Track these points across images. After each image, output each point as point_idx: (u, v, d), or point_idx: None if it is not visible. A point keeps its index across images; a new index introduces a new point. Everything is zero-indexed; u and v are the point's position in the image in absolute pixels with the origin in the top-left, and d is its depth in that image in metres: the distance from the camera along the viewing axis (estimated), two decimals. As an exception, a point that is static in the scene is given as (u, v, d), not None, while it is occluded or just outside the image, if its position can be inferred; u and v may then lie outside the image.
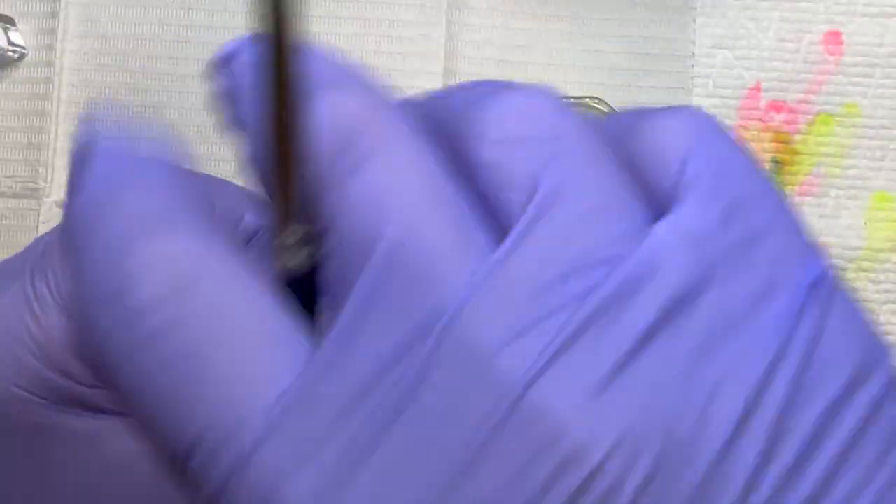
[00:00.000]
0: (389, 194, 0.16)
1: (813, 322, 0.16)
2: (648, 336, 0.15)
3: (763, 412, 0.15)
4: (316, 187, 0.17)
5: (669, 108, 0.18)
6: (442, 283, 0.16)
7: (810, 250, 0.18)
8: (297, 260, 0.18)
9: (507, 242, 0.16)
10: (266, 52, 0.18)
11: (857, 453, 0.16)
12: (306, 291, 0.18)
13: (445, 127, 0.17)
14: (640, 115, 0.18)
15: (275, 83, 0.17)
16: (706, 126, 0.18)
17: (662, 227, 0.16)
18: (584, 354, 0.15)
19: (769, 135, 0.48)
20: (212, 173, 0.29)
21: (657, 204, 0.17)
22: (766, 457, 0.15)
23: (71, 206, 0.19)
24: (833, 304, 0.17)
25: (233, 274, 0.17)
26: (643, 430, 0.15)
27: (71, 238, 0.18)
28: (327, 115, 0.17)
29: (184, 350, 0.16)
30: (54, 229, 0.27)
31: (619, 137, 0.18)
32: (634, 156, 0.17)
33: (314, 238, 0.17)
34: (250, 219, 0.23)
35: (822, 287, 0.17)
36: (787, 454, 0.15)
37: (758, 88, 0.48)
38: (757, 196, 0.17)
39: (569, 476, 0.15)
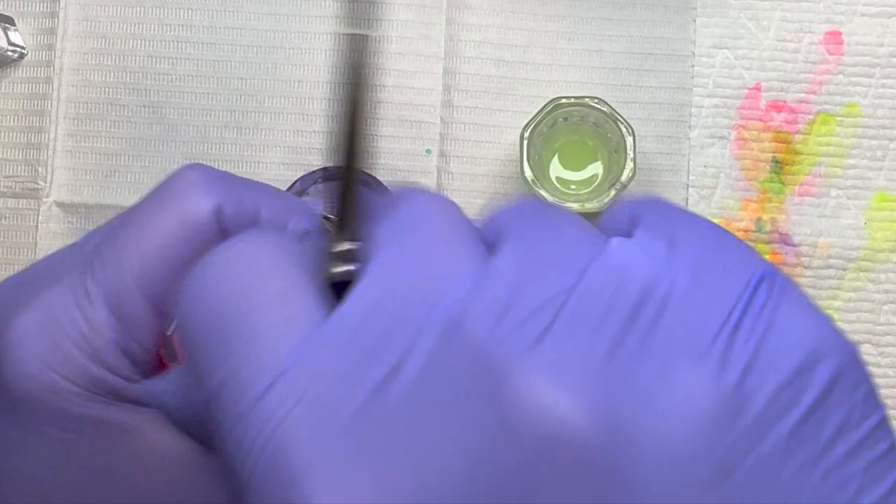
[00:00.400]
0: (429, 227, 0.20)
1: (768, 306, 0.19)
2: (606, 319, 0.18)
3: (722, 377, 0.17)
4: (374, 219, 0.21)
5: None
6: (444, 282, 0.19)
7: (757, 258, 0.20)
8: (338, 269, 0.20)
9: (493, 261, 0.19)
10: (345, 105, 0.22)
11: (817, 423, 0.18)
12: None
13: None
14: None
15: (348, 129, 0.22)
16: (652, 196, 0.21)
17: (615, 242, 0.19)
18: (554, 335, 0.18)
19: (769, 135, 0.48)
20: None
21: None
22: (725, 415, 0.17)
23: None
24: (786, 294, 0.19)
25: (274, 266, 0.21)
26: (599, 391, 0.17)
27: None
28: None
29: (228, 314, 0.20)
30: (105, 227, 0.29)
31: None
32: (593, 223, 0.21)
33: (357, 257, 0.20)
34: (293, 225, 0.27)
35: (775, 282, 0.19)
36: (748, 415, 0.17)
37: (758, 88, 0.48)
38: (696, 226, 0.20)
39: (558, 456, 0.17)
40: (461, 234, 0.20)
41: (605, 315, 0.18)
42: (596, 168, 0.47)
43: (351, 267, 0.20)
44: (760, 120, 0.48)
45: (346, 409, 0.18)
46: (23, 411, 0.27)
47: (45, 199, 0.48)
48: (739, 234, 0.48)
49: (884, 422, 0.19)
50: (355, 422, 0.18)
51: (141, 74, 0.49)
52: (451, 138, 0.48)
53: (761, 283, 0.19)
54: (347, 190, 0.22)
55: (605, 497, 0.17)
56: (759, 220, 0.48)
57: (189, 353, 0.21)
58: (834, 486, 0.17)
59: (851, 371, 0.19)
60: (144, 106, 0.49)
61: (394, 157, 0.48)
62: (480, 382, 0.17)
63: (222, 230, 0.27)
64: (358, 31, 0.21)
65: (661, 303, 0.18)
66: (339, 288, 0.20)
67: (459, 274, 0.19)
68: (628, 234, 0.20)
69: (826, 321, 0.19)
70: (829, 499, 0.17)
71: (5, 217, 0.49)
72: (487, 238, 0.20)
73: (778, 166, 0.48)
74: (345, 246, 0.21)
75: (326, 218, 0.28)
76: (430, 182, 0.48)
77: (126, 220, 0.28)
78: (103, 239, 0.28)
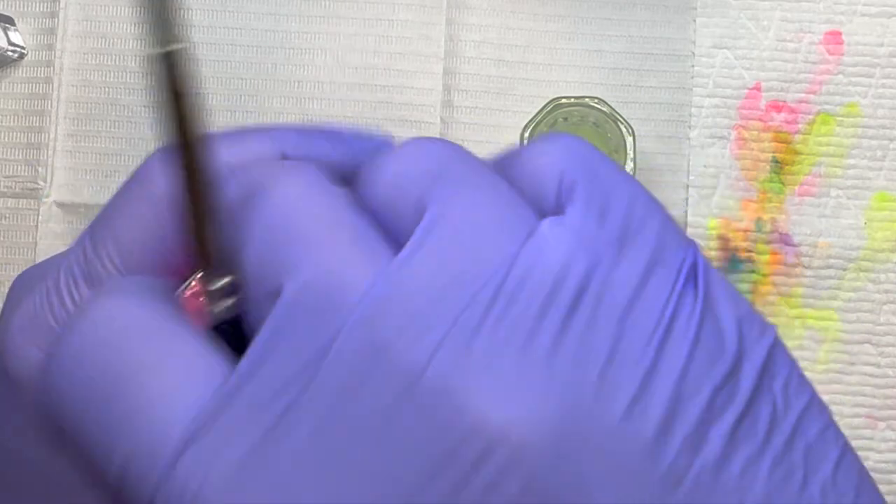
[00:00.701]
0: (288, 228, 0.18)
1: (698, 297, 0.18)
2: (540, 317, 0.17)
3: (661, 380, 0.17)
4: (228, 237, 0.19)
5: (544, 136, 0.20)
6: (344, 295, 0.17)
7: (683, 239, 0.19)
8: (223, 307, 0.19)
9: (402, 254, 0.17)
10: (173, 126, 0.19)
11: (752, 418, 0.17)
12: (239, 337, 0.19)
13: (351, 175, 0.20)
14: (519, 148, 0.20)
15: (183, 152, 0.19)
16: (576, 146, 0.19)
17: (545, 225, 0.18)
18: (486, 337, 0.16)
19: (769, 135, 0.48)
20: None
21: (543, 216, 0.19)
22: (668, 421, 0.16)
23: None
24: (711, 282, 0.18)
25: (155, 318, 0.19)
26: (544, 402, 0.16)
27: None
28: (230, 167, 0.19)
29: (110, 387, 0.18)
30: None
31: (502, 167, 0.20)
32: (516, 180, 0.19)
33: (237, 287, 0.19)
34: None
35: (699, 267, 0.18)
36: (689, 418, 0.17)
37: (758, 88, 0.48)
38: (629, 198, 0.19)
39: (468, 448, 0.16)
40: (348, 229, 0.18)
41: (541, 314, 0.17)
42: (596, 168, 0.47)
43: (231, 301, 0.19)
44: (760, 120, 0.48)
45: (260, 465, 0.17)
46: (18, 392, 0.27)
47: (45, 199, 0.48)
48: (739, 235, 0.48)
49: (812, 403, 0.18)
50: (273, 475, 0.17)
51: (141, 74, 0.49)
52: (451, 138, 0.47)
53: (690, 272, 0.18)
54: (201, 222, 0.19)
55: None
56: (759, 220, 0.48)
57: (73, 436, 0.19)
58: (781, 477, 0.17)
59: (776, 357, 0.18)
60: (144, 106, 0.49)
61: (394, 157, 0.48)
62: (411, 403, 0.16)
63: None
64: (168, 49, 0.19)
65: (596, 298, 0.17)
66: (232, 326, 0.19)
67: (361, 279, 0.17)
68: (558, 204, 0.18)
69: (747, 306, 0.18)
70: (780, 490, 0.17)
71: (5, 217, 0.49)
72: (390, 212, 0.18)
73: (778, 166, 0.48)
74: (220, 282, 0.19)
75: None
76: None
77: (107, 206, 0.29)
78: (89, 226, 0.28)
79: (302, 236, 0.18)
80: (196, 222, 0.19)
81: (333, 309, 0.17)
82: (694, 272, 0.18)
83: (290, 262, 0.17)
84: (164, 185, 0.27)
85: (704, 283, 0.18)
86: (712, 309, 0.18)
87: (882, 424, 0.48)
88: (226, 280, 0.19)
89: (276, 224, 0.18)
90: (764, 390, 0.18)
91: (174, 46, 0.19)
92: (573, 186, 0.18)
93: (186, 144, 0.19)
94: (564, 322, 0.17)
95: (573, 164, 0.19)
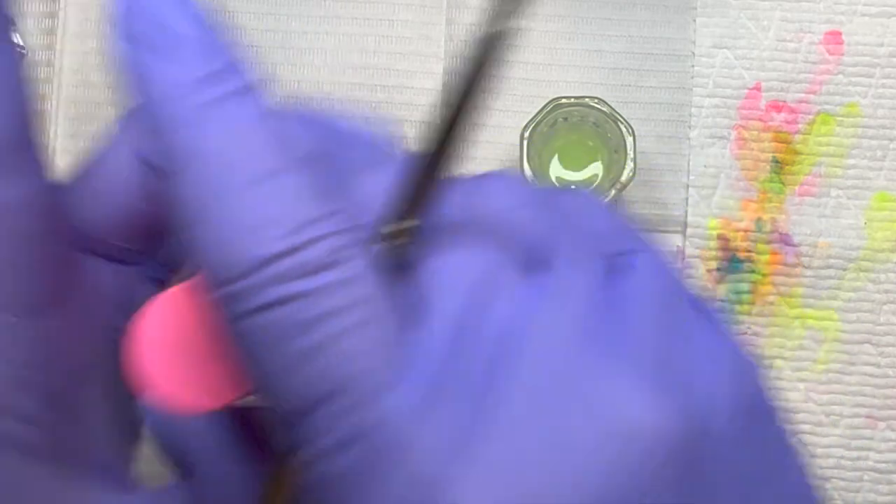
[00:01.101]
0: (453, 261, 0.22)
1: None
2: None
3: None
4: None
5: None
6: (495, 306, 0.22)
7: None
8: (393, 249, 0.21)
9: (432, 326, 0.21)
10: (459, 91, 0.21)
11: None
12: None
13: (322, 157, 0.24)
14: (489, 201, 0.25)
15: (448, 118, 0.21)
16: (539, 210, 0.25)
17: (529, 284, 0.22)
18: (602, 348, 0.21)
19: (769, 135, 0.48)
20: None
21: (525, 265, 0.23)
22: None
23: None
24: None
25: (361, 271, 0.21)
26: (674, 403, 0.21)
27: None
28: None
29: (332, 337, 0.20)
30: None
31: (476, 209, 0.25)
32: (497, 235, 0.24)
33: (411, 238, 0.21)
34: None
35: None
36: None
37: (758, 88, 0.48)
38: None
39: (625, 439, 0.20)
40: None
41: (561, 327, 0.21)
42: (596, 168, 0.47)
43: (401, 248, 0.21)
44: (760, 120, 0.48)
45: (470, 419, 0.20)
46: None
47: (45, 199, 0.48)
48: (739, 235, 0.48)
49: None
50: (483, 429, 0.20)
51: (141, 74, 0.49)
52: (451, 138, 0.48)
53: None
54: (431, 177, 0.21)
55: None
56: (759, 220, 0.48)
57: (260, 365, 0.21)
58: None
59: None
60: (144, 106, 0.49)
61: (394, 157, 0.48)
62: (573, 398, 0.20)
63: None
64: (498, 28, 0.20)
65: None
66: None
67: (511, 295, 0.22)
68: (536, 259, 0.22)
69: None
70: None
71: (5, 217, 0.49)
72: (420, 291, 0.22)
73: (778, 166, 0.48)
74: (399, 226, 0.21)
75: None
76: (430, 182, 0.48)
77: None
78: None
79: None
80: (425, 177, 0.21)
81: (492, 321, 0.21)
82: None
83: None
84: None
85: None
86: None
87: (882, 424, 0.48)
88: (407, 228, 0.21)
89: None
90: None
91: (505, 26, 0.20)
92: (549, 248, 0.23)
93: (456, 115, 0.21)
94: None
95: (544, 227, 0.23)
